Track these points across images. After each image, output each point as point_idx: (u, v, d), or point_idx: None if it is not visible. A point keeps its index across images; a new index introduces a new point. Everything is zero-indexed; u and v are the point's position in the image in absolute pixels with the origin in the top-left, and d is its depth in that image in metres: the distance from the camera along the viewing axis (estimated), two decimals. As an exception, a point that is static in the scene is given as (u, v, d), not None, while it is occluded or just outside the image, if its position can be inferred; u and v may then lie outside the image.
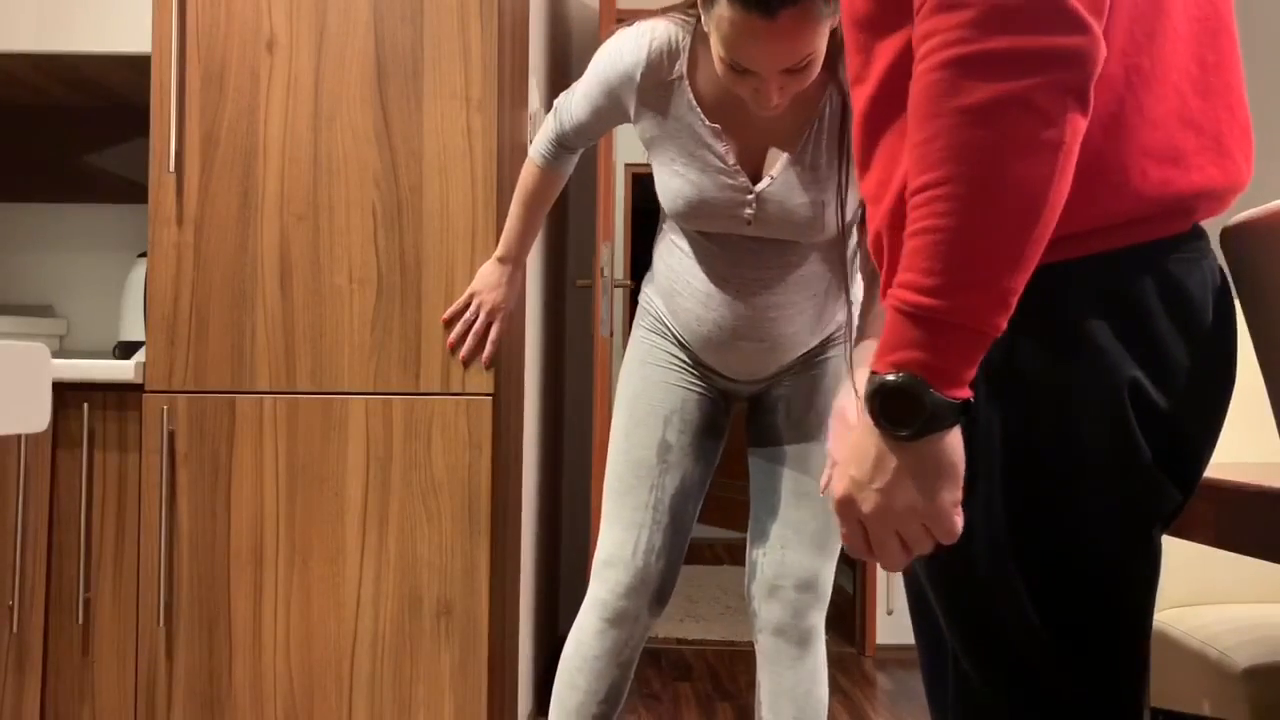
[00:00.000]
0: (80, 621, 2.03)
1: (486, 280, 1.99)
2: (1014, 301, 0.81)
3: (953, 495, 0.84)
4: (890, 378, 0.82)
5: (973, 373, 0.83)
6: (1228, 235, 1.12)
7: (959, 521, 0.85)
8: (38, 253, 2.68)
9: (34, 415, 0.67)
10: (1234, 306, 0.98)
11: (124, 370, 2.02)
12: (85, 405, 2.03)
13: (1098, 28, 0.79)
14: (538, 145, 1.94)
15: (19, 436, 2.01)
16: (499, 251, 1.99)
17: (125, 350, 2.43)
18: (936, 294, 0.80)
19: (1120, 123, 0.88)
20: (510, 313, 2.03)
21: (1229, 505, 1.44)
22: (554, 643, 3.61)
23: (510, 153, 2.19)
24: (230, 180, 2.03)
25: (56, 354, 2.56)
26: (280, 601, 2.01)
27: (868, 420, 0.85)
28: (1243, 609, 2.10)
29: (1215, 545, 1.50)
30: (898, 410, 0.82)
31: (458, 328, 2.00)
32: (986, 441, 0.90)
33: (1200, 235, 0.94)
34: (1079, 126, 0.79)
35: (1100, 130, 0.87)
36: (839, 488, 0.88)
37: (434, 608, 2.01)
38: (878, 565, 3.94)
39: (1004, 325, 0.82)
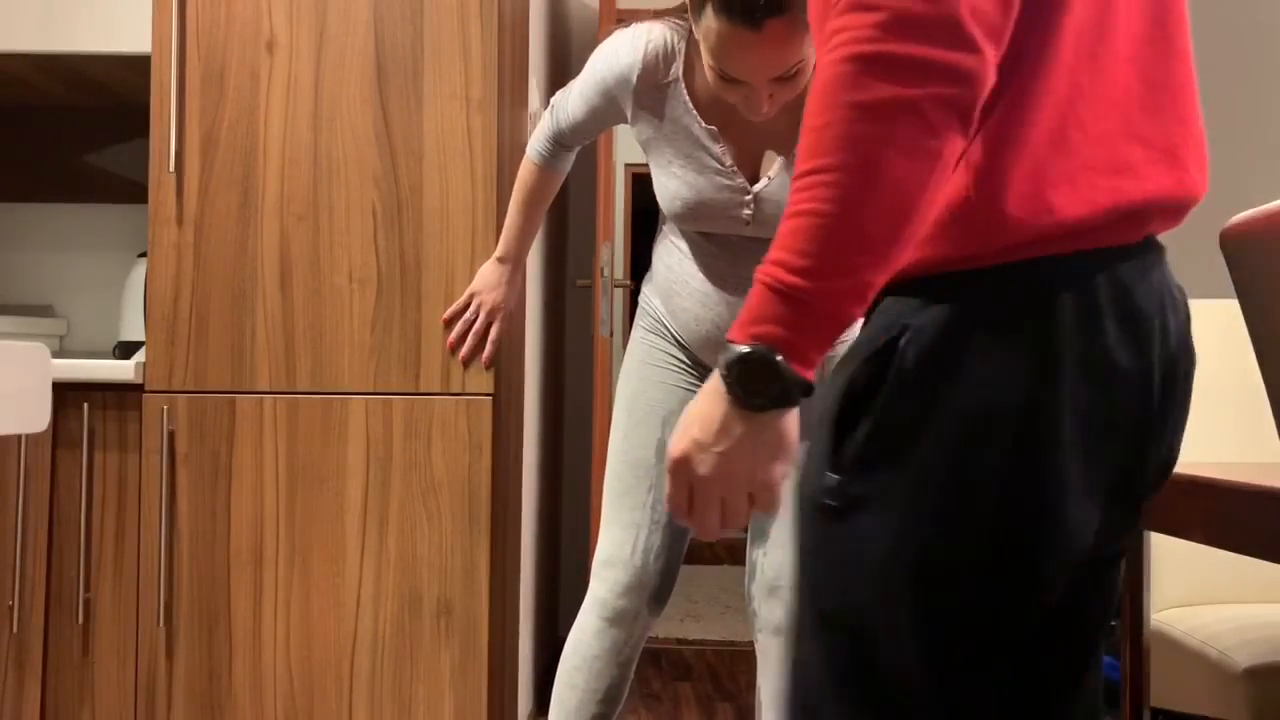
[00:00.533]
0: (80, 621, 2.03)
1: (486, 280, 1.99)
2: (870, 295, 0.84)
3: (783, 469, 0.88)
4: (749, 349, 0.84)
5: (820, 357, 0.86)
6: (1228, 235, 1.13)
7: (781, 496, 0.90)
8: (38, 253, 2.68)
9: (34, 415, 0.67)
10: (1184, 323, 0.98)
11: (124, 370, 2.02)
12: (85, 405, 2.03)
13: (991, 53, 0.82)
14: (534, 143, 1.94)
15: (19, 436, 2.01)
16: (498, 251, 1.99)
17: (125, 350, 2.43)
18: (805, 275, 0.82)
19: (1064, 137, 0.90)
20: (510, 313, 2.03)
21: (1229, 505, 1.44)
22: (554, 643, 3.61)
23: (510, 153, 2.19)
24: (230, 180, 2.03)
25: (56, 354, 2.56)
26: (280, 601, 2.01)
27: (719, 386, 0.88)
28: (1243, 609, 2.10)
29: (1214, 545, 1.50)
30: (754, 380, 0.85)
31: (458, 328, 2.00)
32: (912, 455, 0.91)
33: (1152, 249, 0.95)
34: (957, 146, 0.82)
35: (1046, 142, 0.89)
36: (678, 448, 0.90)
37: (434, 608, 2.01)
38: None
39: (858, 315, 0.85)
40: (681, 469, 0.90)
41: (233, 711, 2.01)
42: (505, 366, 2.16)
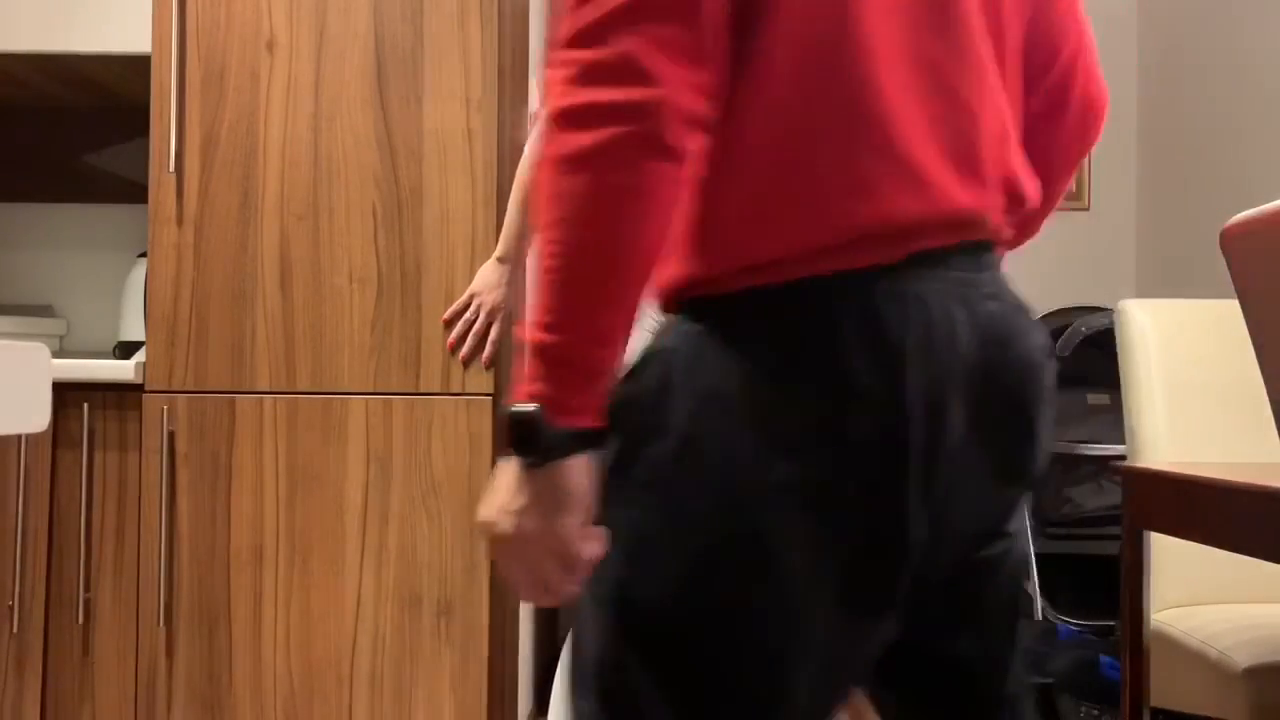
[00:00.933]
0: (80, 621, 2.03)
1: (486, 280, 1.99)
2: (619, 337, 0.86)
3: (573, 521, 0.87)
4: (516, 408, 0.86)
5: (592, 402, 0.87)
6: (1228, 235, 1.13)
7: (586, 549, 0.88)
8: (37, 253, 2.68)
9: (34, 415, 0.67)
10: (996, 339, 0.93)
11: (124, 370, 2.02)
12: (85, 405, 2.03)
13: (684, 76, 0.84)
14: (534, 142, 1.93)
15: (19, 436, 2.01)
16: (499, 251, 1.99)
17: (125, 350, 2.43)
18: (548, 330, 0.85)
19: (792, 155, 0.89)
20: (511, 313, 2.03)
21: (1229, 505, 1.44)
22: (554, 643, 3.61)
23: (510, 153, 2.19)
24: (230, 180, 2.03)
25: (56, 354, 2.56)
26: (280, 601, 2.01)
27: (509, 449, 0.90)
28: (1243, 609, 2.10)
29: (1214, 545, 1.50)
30: (521, 438, 0.86)
31: (458, 328, 2.00)
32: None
33: (922, 264, 0.90)
34: (665, 174, 0.83)
35: (769, 161, 0.89)
36: (482, 512, 0.91)
37: (434, 608, 2.01)
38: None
39: (611, 359, 0.86)
40: (486, 532, 0.91)
41: (233, 711, 2.01)
42: (505, 366, 2.16)
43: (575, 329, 0.85)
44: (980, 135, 0.94)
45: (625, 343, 0.87)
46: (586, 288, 0.84)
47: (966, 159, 0.93)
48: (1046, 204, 1.15)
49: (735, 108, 0.89)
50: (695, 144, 0.85)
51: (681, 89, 0.84)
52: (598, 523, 0.89)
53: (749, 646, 0.88)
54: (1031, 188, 1.01)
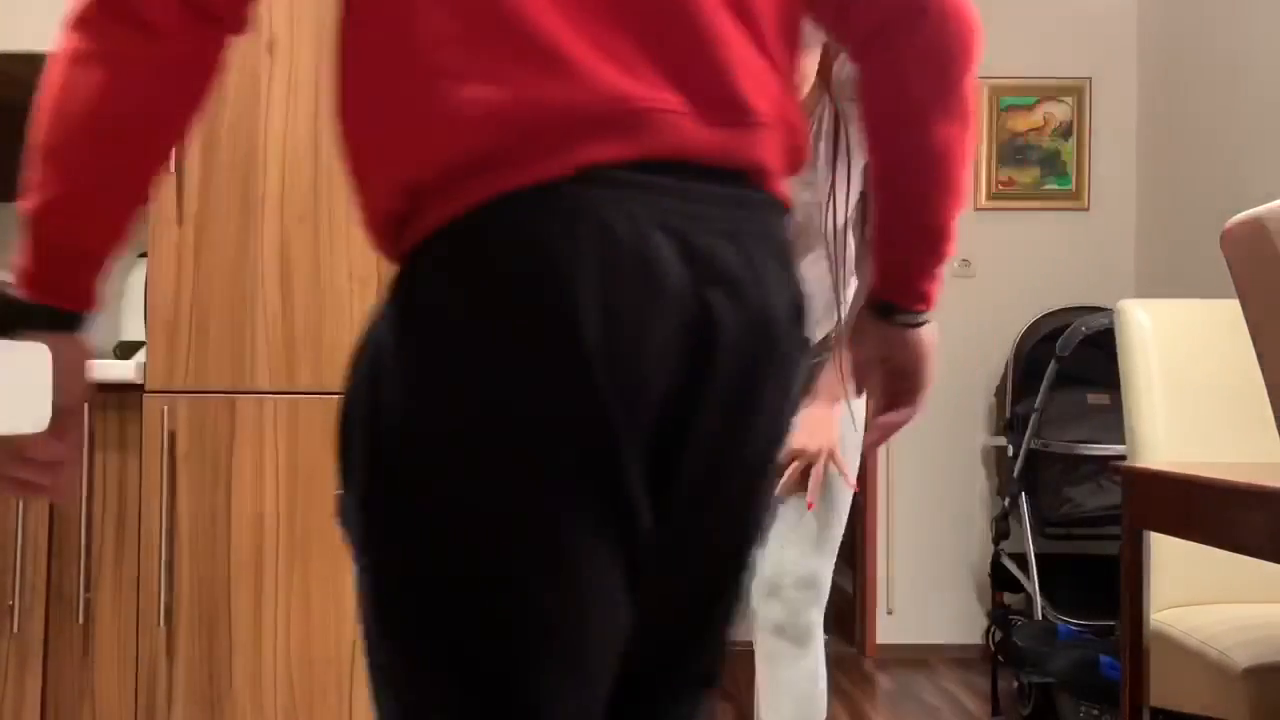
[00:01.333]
0: (80, 621, 2.03)
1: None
2: (89, 211, 0.85)
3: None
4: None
5: (55, 277, 0.86)
6: (1228, 235, 1.13)
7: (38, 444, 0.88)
8: (38, 253, 2.68)
9: (34, 415, 0.67)
10: (653, 284, 0.75)
11: (124, 370, 2.02)
12: (85, 405, 2.03)
13: None
14: None
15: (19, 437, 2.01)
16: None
17: (125, 350, 2.43)
18: (25, 198, 0.84)
19: (413, 47, 0.78)
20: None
21: (1229, 505, 1.44)
22: (554, 643, 3.62)
23: (510, 153, 2.19)
24: (230, 180, 2.03)
25: (57, 354, 2.56)
26: (280, 601, 2.01)
27: None
28: (1243, 609, 2.10)
29: (1214, 545, 1.50)
30: None
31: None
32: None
33: (597, 180, 0.75)
34: (130, 41, 0.82)
35: (390, 59, 0.79)
36: None
37: (434, 608, 2.01)
38: (878, 565, 3.92)
39: (83, 235, 0.85)
40: None
41: (233, 711, 2.01)
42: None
43: (41, 197, 0.84)
44: (674, 24, 0.80)
45: (109, 224, 0.86)
46: (54, 153, 0.84)
47: (650, 47, 0.79)
48: (917, 158, 0.95)
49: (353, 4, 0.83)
50: (182, 20, 0.82)
51: None
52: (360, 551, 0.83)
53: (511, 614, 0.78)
54: (762, 98, 0.83)
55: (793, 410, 0.88)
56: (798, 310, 0.86)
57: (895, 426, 1.13)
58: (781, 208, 0.88)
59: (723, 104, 0.80)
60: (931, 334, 1.08)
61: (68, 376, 0.89)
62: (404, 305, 0.78)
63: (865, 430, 1.39)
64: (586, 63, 0.76)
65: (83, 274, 0.86)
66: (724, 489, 0.84)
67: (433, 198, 0.77)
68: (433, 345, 0.76)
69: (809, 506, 1.73)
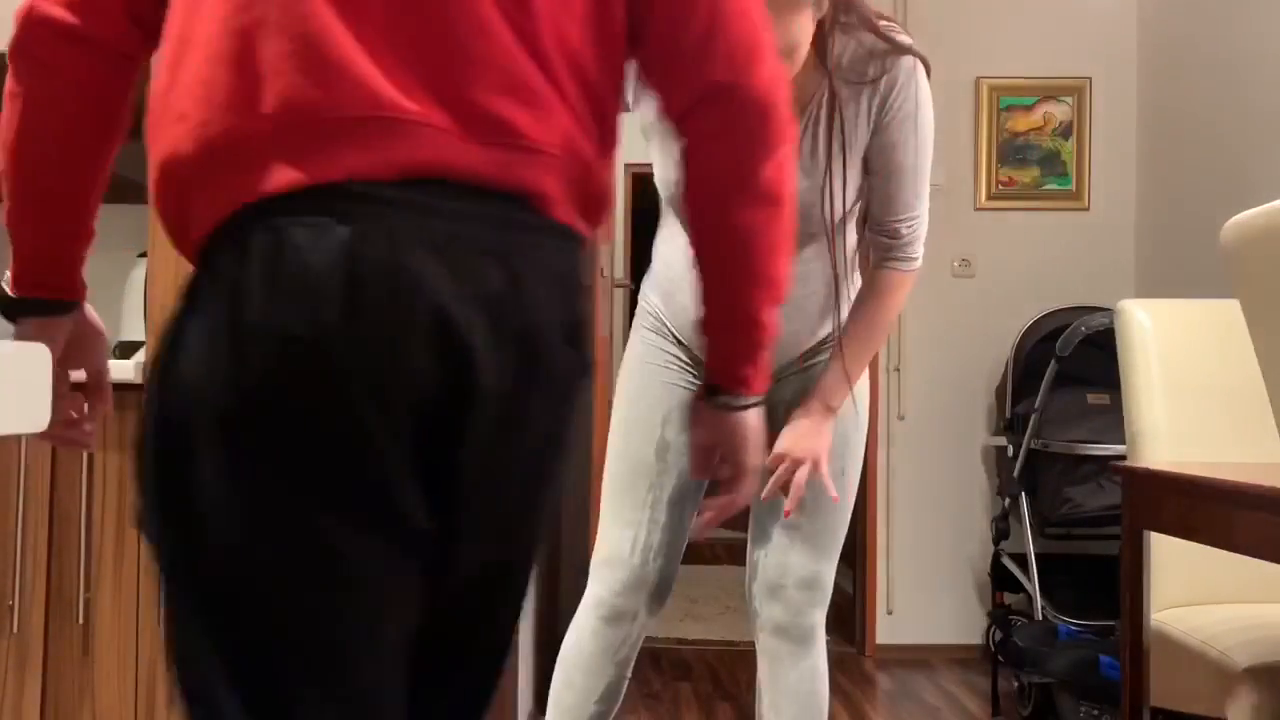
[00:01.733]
0: (80, 621, 2.02)
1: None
2: (35, 225, 0.99)
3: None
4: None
5: (46, 276, 1.03)
6: (1228, 235, 1.13)
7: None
8: (38, 253, 2.67)
9: (34, 415, 0.67)
10: (406, 301, 0.79)
11: (124, 370, 2.02)
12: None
13: None
14: None
15: (19, 436, 2.01)
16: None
17: (125, 350, 2.42)
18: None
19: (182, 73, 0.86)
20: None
21: (1229, 505, 1.44)
22: (554, 643, 3.61)
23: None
24: (230, 180, 2.03)
25: (56, 354, 2.55)
26: (280, 601, 2.01)
27: None
28: (1243, 609, 2.10)
29: (1214, 545, 1.50)
30: None
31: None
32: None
33: (355, 196, 0.79)
34: (35, 75, 0.91)
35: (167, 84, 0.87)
36: None
37: (434, 608, 2.00)
38: (878, 565, 3.92)
39: (31, 241, 0.99)
40: None
41: (233, 711, 2.01)
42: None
43: (4, 212, 0.95)
44: (450, 48, 0.83)
45: (65, 229, 1.01)
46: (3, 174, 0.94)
47: (421, 66, 0.82)
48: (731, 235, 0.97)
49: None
50: (70, 52, 0.89)
51: (50, 3, 0.88)
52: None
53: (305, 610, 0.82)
54: (540, 128, 0.85)
55: (569, 426, 0.92)
56: (572, 333, 0.88)
57: (724, 511, 1.16)
58: (567, 233, 0.90)
59: (489, 124, 0.83)
60: (756, 419, 1.09)
61: (82, 344, 1.09)
62: (180, 310, 0.87)
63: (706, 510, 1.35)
64: (354, 71, 0.79)
65: (60, 271, 1.01)
66: (502, 491, 0.88)
67: (196, 202, 0.85)
68: (195, 348, 0.83)
69: (785, 514, 1.72)
